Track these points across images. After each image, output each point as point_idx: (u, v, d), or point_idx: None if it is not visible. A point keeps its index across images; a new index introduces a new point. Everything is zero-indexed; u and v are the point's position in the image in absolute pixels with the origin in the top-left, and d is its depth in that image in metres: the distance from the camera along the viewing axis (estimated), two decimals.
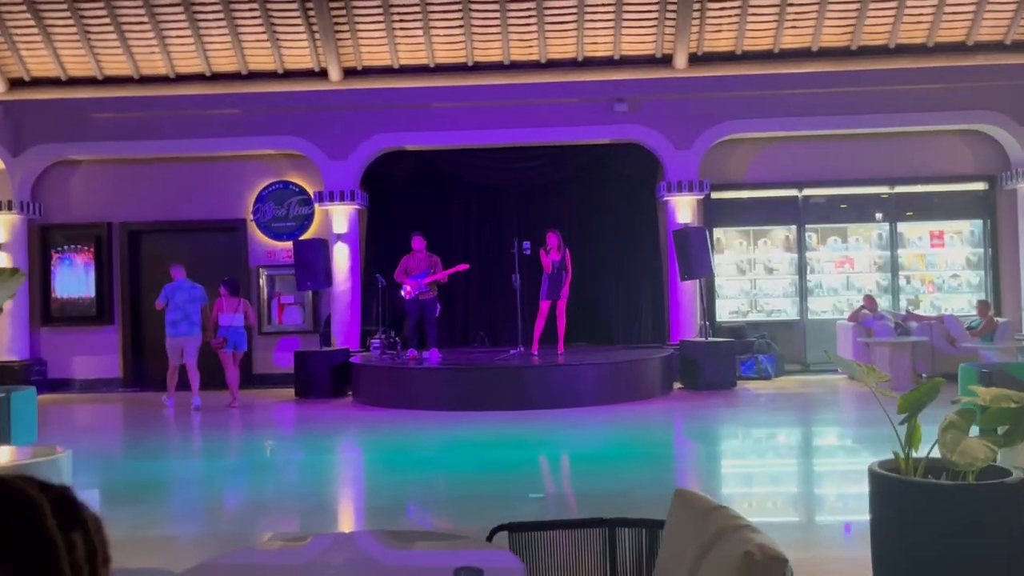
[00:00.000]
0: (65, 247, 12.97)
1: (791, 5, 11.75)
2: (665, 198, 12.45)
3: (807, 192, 12.95)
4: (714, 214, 12.84)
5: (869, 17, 11.91)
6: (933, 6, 11.73)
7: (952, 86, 12.14)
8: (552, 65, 12.44)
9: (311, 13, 11.72)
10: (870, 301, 11.90)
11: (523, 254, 10.74)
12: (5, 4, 11.65)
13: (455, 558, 2.33)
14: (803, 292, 12.95)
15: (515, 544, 2.54)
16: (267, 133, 12.57)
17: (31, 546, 1.01)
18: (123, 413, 11.26)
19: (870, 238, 13.13)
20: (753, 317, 13.08)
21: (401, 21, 11.92)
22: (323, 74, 12.49)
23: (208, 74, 12.52)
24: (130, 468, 7.50)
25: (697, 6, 11.68)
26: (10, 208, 12.48)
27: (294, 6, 11.65)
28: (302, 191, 12.98)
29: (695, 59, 12.34)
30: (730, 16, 11.88)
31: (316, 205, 12.75)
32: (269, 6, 11.68)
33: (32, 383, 10.39)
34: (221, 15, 11.77)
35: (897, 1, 11.67)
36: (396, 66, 12.49)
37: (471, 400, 9.95)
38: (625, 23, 11.96)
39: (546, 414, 9.53)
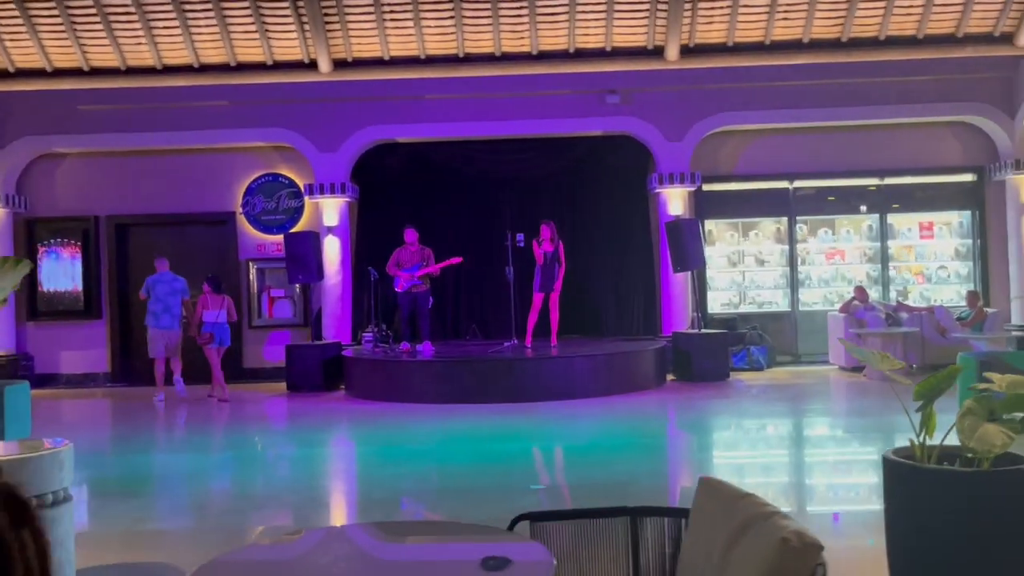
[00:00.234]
0: (51, 241, 12.82)
1: None
2: (657, 190, 12.45)
3: (797, 184, 12.98)
4: (705, 206, 12.85)
5: (859, 9, 11.93)
6: None
7: (941, 78, 12.20)
8: (544, 57, 12.40)
9: (300, 4, 11.62)
10: (861, 292, 11.95)
11: (517, 246, 10.70)
12: None
13: (480, 548, 2.30)
14: (794, 284, 12.99)
15: (535, 533, 2.52)
16: (256, 125, 12.46)
17: None
18: (112, 408, 11.16)
19: (860, 229, 13.19)
20: (744, 309, 13.11)
21: (391, 12, 11.84)
22: (313, 66, 12.39)
23: (196, 65, 12.39)
24: (124, 463, 7.42)
25: None
26: None
27: None
28: (292, 184, 12.89)
29: (687, 51, 12.32)
30: (721, 8, 11.88)
31: (306, 198, 12.66)
32: None
33: (19, 378, 10.32)
34: (209, 6, 11.65)
35: None
36: (387, 58, 12.41)
37: (465, 393, 9.92)
38: (617, 15, 11.93)
39: (541, 406, 9.52)
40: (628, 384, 10.40)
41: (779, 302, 13.13)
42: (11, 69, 12.36)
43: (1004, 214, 12.50)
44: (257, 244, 12.94)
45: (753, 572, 1.93)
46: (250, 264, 12.92)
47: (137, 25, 11.85)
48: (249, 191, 12.91)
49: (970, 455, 3.03)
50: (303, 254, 11.50)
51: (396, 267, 10.97)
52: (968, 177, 12.90)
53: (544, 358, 10.32)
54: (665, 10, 11.78)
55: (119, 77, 12.46)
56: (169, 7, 11.62)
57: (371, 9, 11.74)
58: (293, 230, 12.52)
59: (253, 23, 11.85)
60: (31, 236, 12.83)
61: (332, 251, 12.38)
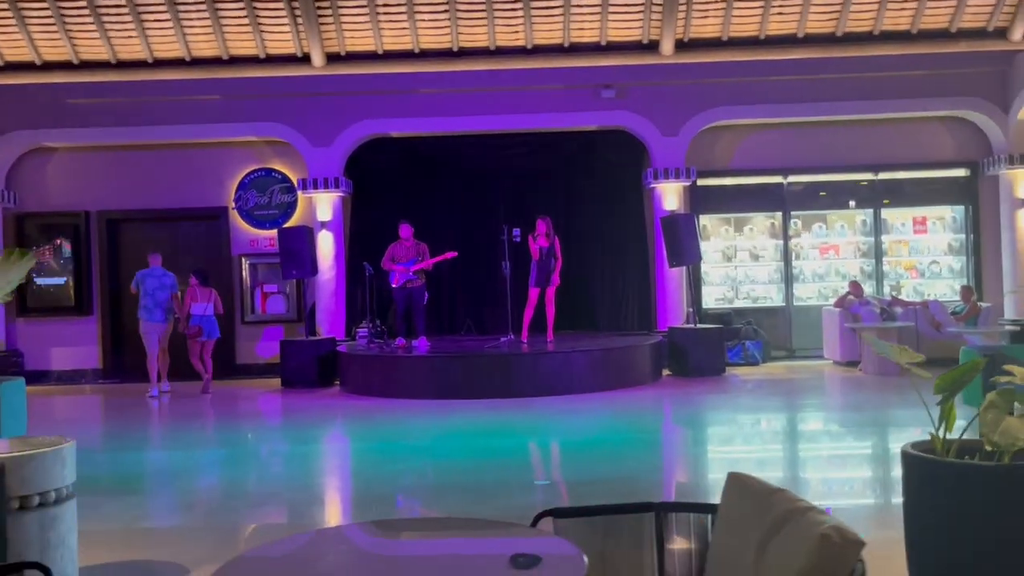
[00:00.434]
0: (42, 236, 12.67)
1: None
2: (652, 185, 12.42)
3: (792, 179, 12.98)
4: (699, 201, 12.83)
5: (854, 4, 11.92)
6: None
7: (935, 73, 12.22)
8: (538, 51, 12.34)
9: None
10: (856, 287, 11.96)
11: (513, 241, 10.65)
12: None
13: (507, 544, 2.26)
14: (788, 278, 13.00)
15: (558, 530, 2.48)
16: (249, 119, 12.37)
17: None
18: (106, 404, 11.04)
19: (854, 224, 13.20)
20: (738, 304, 13.11)
21: (385, 6, 11.76)
22: (306, 59, 12.29)
23: (188, 59, 12.28)
24: (119, 460, 7.34)
25: None
26: None
27: None
28: (285, 178, 12.80)
29: (681, 45, 12.29)
30: (716, 2, 11.85)
31: (299, 192, 12.58)
32: None
33: (9, 375, 10.20)
34: None
35: None
36: (380, 51, 12.32)
37: (462, 388, 9.88)
38: (611, 9, 11.89)
39: (537, 402, 9.48)
40: (624, 379, 10.37)
41: (773, 297, 13.14)
42: (0, 63, 12.22)
43: (997, 209, 12.54)
44: (250, 239, 12.85)
45: (792, 568, 1.89)
46: (243, 259, 12.82)
47: (128, 18, 11.73)
48: (242, 186, 12.81)
49: (990, 448, 3.00)
50: (297, 249, 11.42)
51: (391, 262, 10.91)
52: (961, 172, 12.93)
53: (541, 353, 10.29)
54: (660, 4, 11.74)
55: (109, 71, 12.33)
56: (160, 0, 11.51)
57: (364, 2, 11.66)
58: (286, 225, 12.44)
59: (245, 16, 11.75)
60: (21, 231, 12.68)
61: (326, 246, 12.30)
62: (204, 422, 9.40)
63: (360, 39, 12.27)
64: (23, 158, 12.73)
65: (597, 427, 8.28)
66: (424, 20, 12.04)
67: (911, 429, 7.85)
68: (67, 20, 11.76)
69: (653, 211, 12.58)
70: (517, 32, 12.24)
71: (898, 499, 5.63)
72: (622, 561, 2.48)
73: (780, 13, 12.09)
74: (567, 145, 12.86)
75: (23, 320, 12.75)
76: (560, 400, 9.57)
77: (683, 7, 11.83)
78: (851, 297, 11.85)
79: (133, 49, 12.23)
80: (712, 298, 13.12)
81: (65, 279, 12.66)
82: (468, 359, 10.28)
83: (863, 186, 13.05)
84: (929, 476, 3.08)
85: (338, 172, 12.38)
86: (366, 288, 11.69)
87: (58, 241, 12.63)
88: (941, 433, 3.08)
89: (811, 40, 12.28)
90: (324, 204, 12.38)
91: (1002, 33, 12.22)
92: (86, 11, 11.61)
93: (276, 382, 11.67)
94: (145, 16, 11.72)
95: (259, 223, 12.79)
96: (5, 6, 11.51)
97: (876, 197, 13.01)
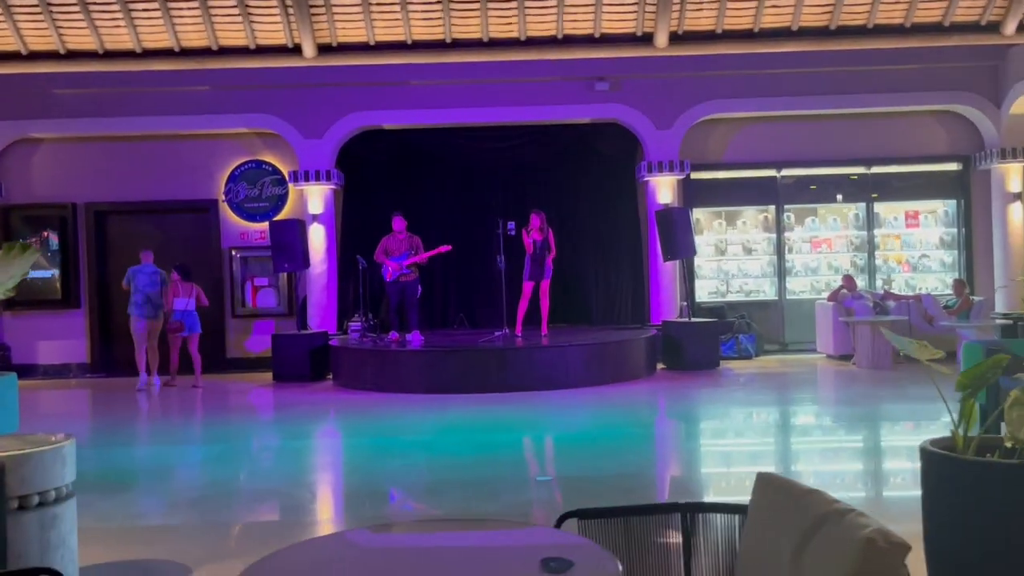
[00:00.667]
0: (28, 228, 12.49)
1: None
2: (645, 178, 12.38)
3: (785, 172, 12.97)
4: (692, 194, 12.80)
5: None
6: None
7: (928, 67, 12.22)
8: (532, 43, 12.25)
9: None
10: (849, 281, 11.97)
11: (508, 235, 10.58)
12: None
13: (535, 547, 2.20)
14: (781, 272, 12.99)
15: (583, 531, 2.43)
16: (239, 111, 12.23)
17: None
18: (96, 399, 10.92)
19: (846, 218, 13.22)
20: (731, 298, 13.10)
21: None
22: (297, 50, 12.15)
23: (177, 49, 12.11)
24: (112, 456, 7.23)
25: None
26: None
27: None
28: (276, 171, 12.68)
29: (676, 38, 12.23)
30: None
31: (291, 185, 12.46)
32: None
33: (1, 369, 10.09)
34: None
35: None
36: (372, 43, 12.20)
37: (456, 383, 9.81)
38: (605, 1, 11.80)
39: (533, 396, 9.44)
40: (620, 373, 10.34)
41: (766, 290, 13.14)
42: None
43: (989, 203, 12.58)
44: (240, 232, 12.72)
45: (834, 573, 1.85)
46: (233, 252, 12.70)
47: (115, 7, 11.55)
48: (232, 178, 12.68)
49: (1010, 445, 2.97)
50: (289, 242, 11.32)
51: (384, 255, 10.82)
52: (953, 166, 12.96)
53: (536, 348, 10.24)
54: None
55: (97, 61, 12.14)
56: None
57: None
58: (277, 218, 12.34)
59: (236, 6, 11.60)
60: (7, 224, 12.50)
61: (317, 239, 12.20)
62: (197, 417, 9.30)
63: (352, 30, 12.14)
64: (9, 149, 12.54)
65: (594, 422, 8.23)
66: (416, 11, 11.92)
67: (909, 423, 7.88)
68: (53, 9, 11.58)
69: (647, 204, 12.54)
70: (510, 23, 12.15)
71: (903, 492, 5.65)
72: (647, 562, 2.43)
73: (774, 6, 12.05)
74: (560, 138, 12.79)
75: (10, 314, 12.58)
76: (555, 394, 9.53)
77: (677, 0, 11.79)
78: (844, 291, 11.86)
79: (121, 39, 12.06)
80: (705, 292, 13.11)
81: (52, 272, 12.49)
82: (463, 353, 10.21)
83: (856, 180, 13.05)
84: (949, 473, 3.04)
85: (330, 164, 12.26)
86: (359, 282, 11.60)
87: (45, 234, 12.46)
88: (961, 431, 3.04)
89: (805, 33, 12.25)
90: (315, 197, 12.27)
91: (995, 27, 12.23)
92: (73, 0, 11.44)
93: (267, 376, 11.57)
94: (133, 5, 11.55)
95: (250, 216, 12.67)
96: None
97: (869, 191, 13.02)
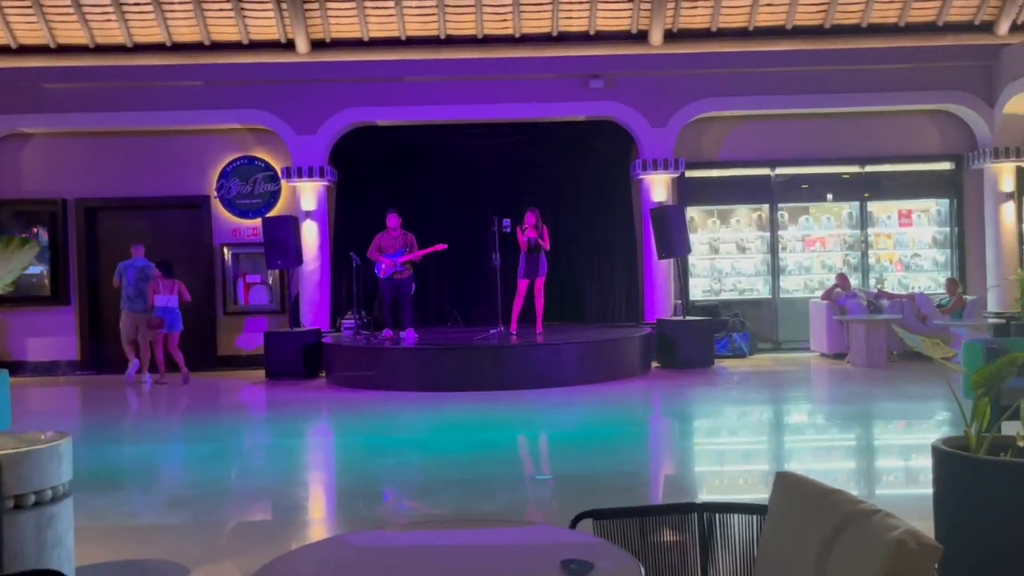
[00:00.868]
0: (17, 224, 12.36)
1: None
2: (640, 176, 12.35)
3: (779, 171, 12.96)
4: (686, 192, 12.78)
5: None
6: None
7: (922, 66, 12.23)
8: (527, 40, 12.22)
9: None
10: (843, 279, 11.98)
11: (503, 232, 10.53)
12: None
13: (554, 548, 2.16)
14: (775, 271, 12.99)
15: (598, 532, 2.39)
16: (231, 107, 12.12)
17: None
18: (87, 396, 10.81)
19: (840, 217, 13.22)
20: (725, 296, 13.09)
21: None
22: (290, 46, 12.08)
23: (169, 44, 12.02)
24: (105, 454, 7.15)
25: None
26: None
27: None
28: (268, 167, 12.58)
29: (670, 36, 12.22)
30: None
31: (283, 181, 12.37)
32: None
33: None
34: None
35: None
36: (366, 38, 12.14)
37: (451, 381, 9.76)
38: None
39: (528, 394, 9.40)
40: (614, 371, 10.32)
41: (759, 289, 13.14)
42: None
43: (982, 203, 12.60)
44: (232, 228, 12.62)
45: (863, 575, 1.81)
46: (225, 249, 12.60)
47: (106, 1, 11.44)
48: (224, 174, 12.57)
49: (1023, 444, 2.95)
50: (282, 239, 11.24)
51: (378, 252, 10.75)
52: (947, 165, 12.99)
53: (531, 345, 10.19)
54: None
55: (87, 55, 12.04)
56: None
57: None
58: (270, 214, 12.24)
59: (228, 1, 11.51)
60: None
61: (310, 236, 12.12)
62: (190, 415, 9.21)
63: (346, 26, 12.08)
64: None
65: (591, 420, 8.20)
66: (411, 7, 11.87)
67: (907, 422, 7.89)
68: (44, 3, 11.46)
69: (641, 202, 12.51)
70: (505, 20, 12.10)
71: (904, 490, 5.64)
72: (663, 563, 2.40)
73: (769, 4, 12.06)
74: (555, 135, 12.75)
75: None
76: (551, 393, 9.49)
77: None
78: (838, 290, 11.87)
79: (112, 33, 11.96)
80: (699, 290, 13.09)
81: (42, 268, 12.36)
82: (457, 351, 10.16)
83: (849, 179, 13.06)
84: (961, 472, 3.02)
85: (323, 161, 12.18)
86: (352, 279, 11.53)
87: (35, 229, 12.33)
88: (979, 429, 3.01)
89: (799, 32, 12.26)
90: (308, 193, 12.18)
91: (988, 27, 12.27)
92: None
93: (259, 374, 11.50)
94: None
95: (242, 212, 12.57)
96: None
97: (862, 190, 13.03)
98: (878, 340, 10.87)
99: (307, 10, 11.77)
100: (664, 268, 12.17)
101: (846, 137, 12.80)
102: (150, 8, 11.61)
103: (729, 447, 7.31)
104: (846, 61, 12.20)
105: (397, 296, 10.87)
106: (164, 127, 12.32)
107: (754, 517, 2.35)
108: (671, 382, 10.17)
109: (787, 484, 2.25)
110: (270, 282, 12.64)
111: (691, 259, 12.81)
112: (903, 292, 12.55)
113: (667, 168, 12.18)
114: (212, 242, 12.59)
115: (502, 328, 10.68)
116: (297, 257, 11.50)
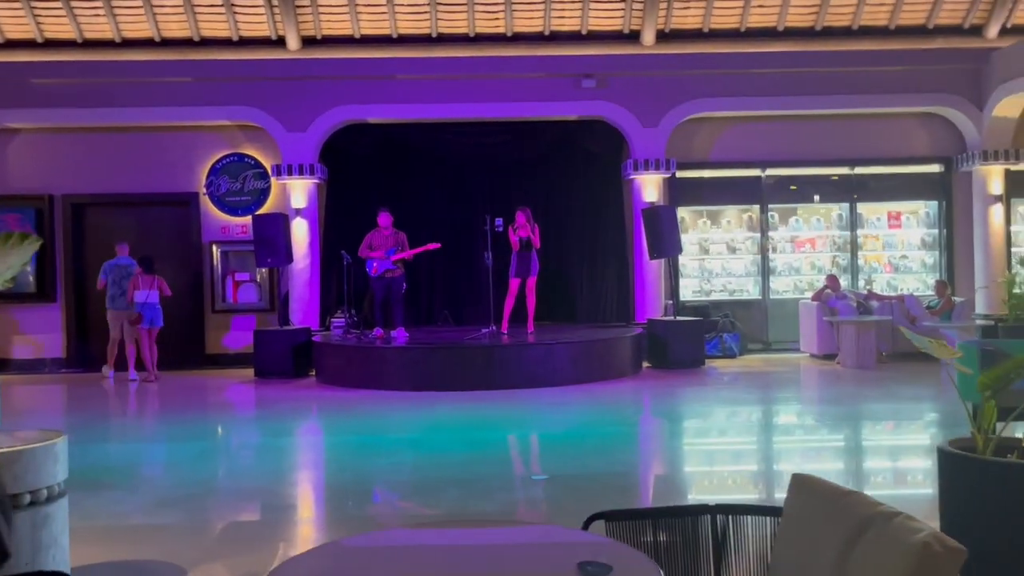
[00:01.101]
0: (1, 219, 12.23)
1: None
2: (631, 176, 12.35)
3: (770, 172, 12.99)
4: (677, 193, 12.78)
5: None
6: None
7: (911, 69, 12.29)
8: (519, 39, 12.20)
9: None
10: (833, 281, 12.02)
11: (495, 231, 10.50)
12: None
13: (569, 550, 2.13)
14: (765, 271, 13.02)
15: (610, 534, 2.36)
16: (221, 103, 12.03)
17: None
18: (74, 394, 10.69)
19: (830, 218, 13.27)
20: (715, 296, 13.12)
21: None
22: (280, 43, 12.02)
23: (158, 39, 11.93)
24: (96, 453, 7.07)
25: None
26: None
27: None
28: (258, 164, 12.50)
29: (662, 36, 12.23)
30: None
31: (273, 179, 12.29)
32: None
33: None
34: None
35: None
36: (357, 36, 12.09)
37: (442, 380, 9.73)
38: None
39: (520, 394, 9.37)
40: (606, 371, 10.30)
41: (749, 290, 13.16)
42: None
43: (970, 205, 12.68)
44: (221, 226, 12.53)
45: None
46: (214, 247, 12.50)
47: None
48: (213, 171, 12.48)
49: None
50: (272, 237, 11.16)
51: (369, 251, 10.70)
52: (936, 167, 13.05)
53: (523, 345, 10.17)
54: None
55: (75, 50, 11.95)
56: None
57: None
58: (260, 212, 12.16)
59: None
60: None
61: (300, 234, 12.05)
62: (181, 413, 9.12)
63: (337, 23, 12.02)
64: None
65: (584, 420, 8.18)
66: (402, 5, 11.83)
67: (903, 422, 7.92)
68: None
69: (632, 202, 12.51)
70: (497, 19, 12.08)
71: (904, 491, 5.65)
72: (676, 565, 2.37)
73: (761, 6, 12.09)
74: (547, 135, 12.72)
75: None
76: (543, 392, 9.47)
77: None
78: (828, 291, 11.91)
79: (100, 28, 11.86)
80: (689, 290, 13.11)
81: (27, 265, 12.21)
82: (449, 350, 10.12)
83: (839, 180, 13.10)
84: (967, 473, 3.02)
85: (313, 158, 12.11)
86: (343, 277, 11.47)
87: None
88: (986, 431, 3.01)
89: (791, 34, 12.30)
90: (298, 191, 12.11)
91: (978, 30, 12.35)
92: None
93: (248, 372, 11.42)
94: None
95: (231, 210, 12.49)
96: None
97: (852, 191, 13.07)
98: (868, 341, 10.91)
99: (298, 7, 11.71)
100: (655, 268, 12.17)
101: (836, 139, 12.84)
102: (139, 3, 11.52)
103: (723, 448, 7.31)
104: (837, 63, 12.24)
105: (388, 294, 10.82)
106: (153, 123, 12.22)
107: (767, 519, 2.34)
108: (662, 382, 10.16)
109: (803, 486, 2.23)
110: (259, 280, 12.56)
111: (681, 259, 12.82)
112: (892, 294, 12.61)
113: (658, 168, 12.18)
114: (201, 239, 12.50)
115: (493, 327, 10.65)
116: (287, 255, 11.43)
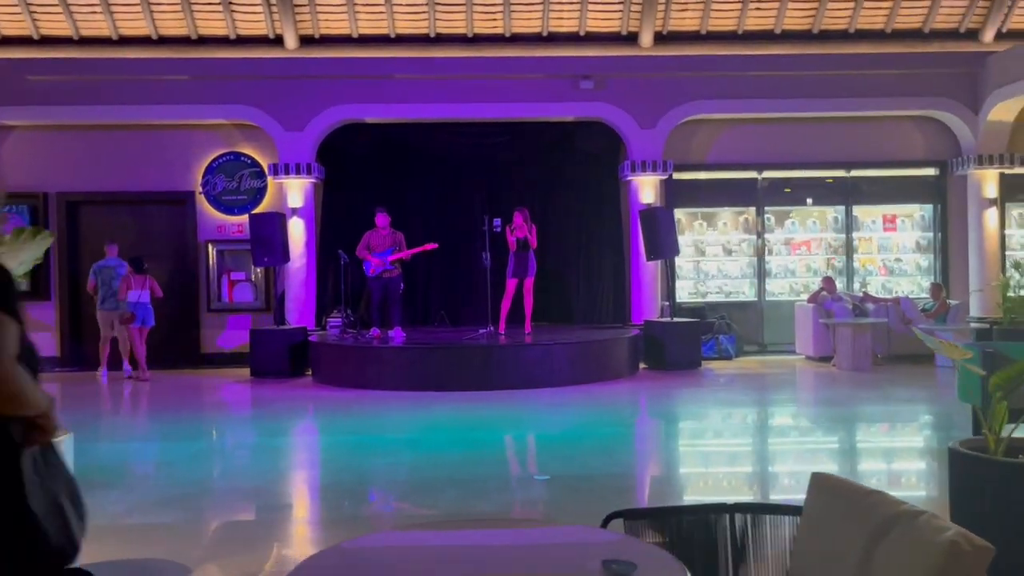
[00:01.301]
0: None
1: None
2: (628, 177, 12.36)
3: (766, 174, 13.02)
4: (674, 194, 12.80)
5: (831, 0, 12.01)
6: None
7: (908, 72, 12.34)
8: (517, 39, 12.21)
9: None
10: (829, 283, 12.06)
11: (493, 231, 10.50)
12: None
13: (591, 548, 2.13)
14: (761, 273, 13.05)
15: (628, 532, 2.36)
16: (218, 102, 11.99)
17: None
18: (65, 393, 10.63)
19: (826, 221, 13.31)
20: (711, 298, 13.14)
21: None
22: (278, 41, 11.99)
23: (155, 37, 11.89)
24: (92, 452, 7.03)
25: None
26: None
27: None
28: (255, 163, 12.46)
29: (660, 38, 12.26)
30: None
31: (270, 178, 12.26)
32: None
33: None
34: None
35: None
36: (355, 35, 12.08)
37: (440, 380, 9.71)
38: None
39: (518, 394, 9.37)
40: (603, 372, 10.31)
41: (745, 292, 13.19)
42: None
43: (965, 208, 12.73)
44: (217, 225, 12.49)
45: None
46: (209, 246, 12.46)
47: None
48: (209, 170, 12.44)
49: None
50: (269, 236, 11.13)
51: (366, 251, 10.68)
52: (931, 171, 13.10)
53: (521, 346, 10.16)
54: None
55: (72, 47, 11.90)
56: None
57: None
58: (256, 211, 12.12)
59: None
60: None
61: (296, 233, 12.02)
62: (177, 413, 9.08)
63: (335, 22, 12.01)
64: None
65: (583, 420, 8.18)
66: (401, 4, 11.81)
67: (897, 424, 7.95)
68: None
69: (629, 204, 12.52)
70: (495, 20, 12.08)
71: (903, 492, 5.66)
72: (694, 565, 2.37)
73: (758, 8, 12.13)
74: (544, 135, 12.73)
75: None
76: (540, 393, 9.47)
77: None
78: (824, 293, 11.95)
79: (97, 25, 11.81)
80: (685, 292, 13.13)
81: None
82: (447, 351, 10.11)
83: (835, 183, 13.14)
84: (978, 474, 3.03)
85: (310, 158, 12.08)
86: (340, 277, 11.44)
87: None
88: (998, 431, 3.02)
89: (788, 36, 12.34)
90: (295, 190, 12.08)
91: (974, 35, 12.41)
92: None
93: (244, 372, 11.39)
94: None
95: (227, 209, 12.45)
96: None
97: (847, 194, 13.12)
98: (864, 343, 10.95)
99: (296, 5, 11.68)
100: (651, 269, 12.19)
101: (832, 142, 12.88)
102: (136, 1, 11.47)
103: (723, 448, 7.32)
104: (834, 66, 12.28)
105: (386, 295, 10.80)
106: (149, 121, 12.17)
107: (785, 518, 2.34)
108: (660, 383, 10.18)
109: (823, 485, 2.23)
110: (254, 279, 12.53)
111: (677, 261, 12.84)
112: (887, 296, 12.65)
113: (655, 170, 12.20)
114: (197, 238, 12.46)
115: (491, 328, 10.65)
116: (284, 254, 11.40)
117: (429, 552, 2.10)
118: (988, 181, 12.45)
